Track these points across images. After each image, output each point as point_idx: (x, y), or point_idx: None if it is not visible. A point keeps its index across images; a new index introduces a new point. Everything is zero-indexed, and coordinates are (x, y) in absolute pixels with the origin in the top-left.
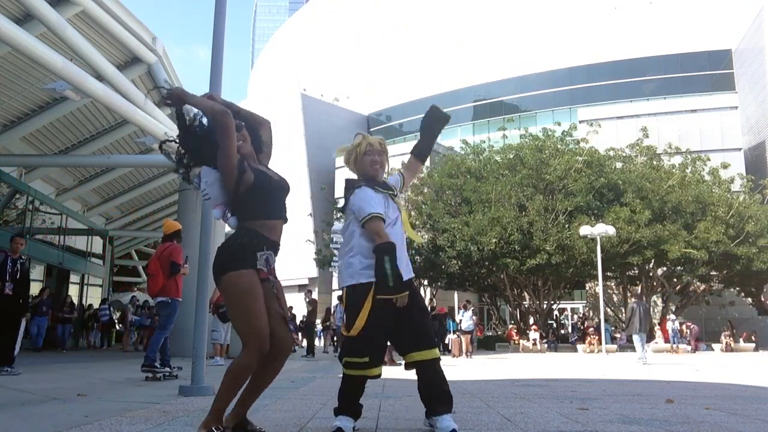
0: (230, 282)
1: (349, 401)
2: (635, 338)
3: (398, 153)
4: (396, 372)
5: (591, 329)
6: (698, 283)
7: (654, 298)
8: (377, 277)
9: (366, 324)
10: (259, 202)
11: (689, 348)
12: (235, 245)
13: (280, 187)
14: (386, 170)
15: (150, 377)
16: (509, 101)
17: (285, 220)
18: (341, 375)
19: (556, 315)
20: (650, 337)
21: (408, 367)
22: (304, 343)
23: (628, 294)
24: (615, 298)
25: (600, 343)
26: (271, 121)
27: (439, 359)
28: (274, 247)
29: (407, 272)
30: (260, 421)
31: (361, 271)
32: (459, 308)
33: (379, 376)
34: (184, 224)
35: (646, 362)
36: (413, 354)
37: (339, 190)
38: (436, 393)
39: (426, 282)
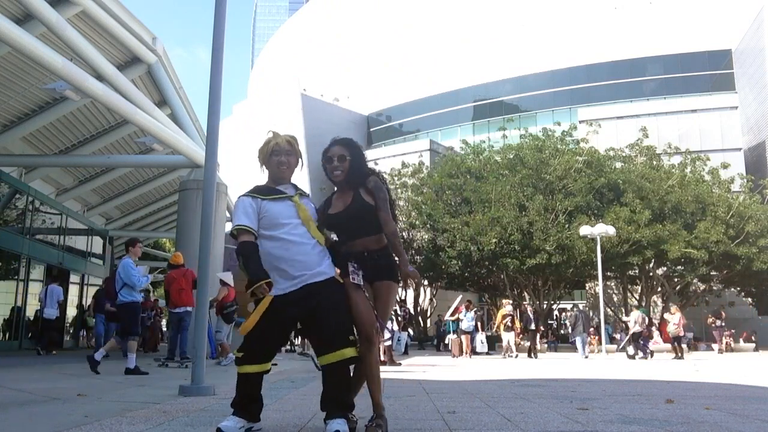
0: None
1: (240, 398)
2: (578, 340)
3: (398, 153)
4: (396, 372)
5: (591, 329)
6: (698, 283)
7: (654, 298)
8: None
9: (256, 325)
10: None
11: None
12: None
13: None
14: (298, 168)
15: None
16: (509, 101)
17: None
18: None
19: (556, 315)
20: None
21: (326, 366)
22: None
23: (628, 294)
24: (615, 298)
25: (600, 343)
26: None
27: (344, 360)
28: (357, 256)
29: (319, 274)
30: (261, 424)
31: None
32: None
33: (253, 373)
34: (184, 224)
35: (586, 357)
36: (329, 355)
37: None
38: (337, 396)
39: (426, 282)
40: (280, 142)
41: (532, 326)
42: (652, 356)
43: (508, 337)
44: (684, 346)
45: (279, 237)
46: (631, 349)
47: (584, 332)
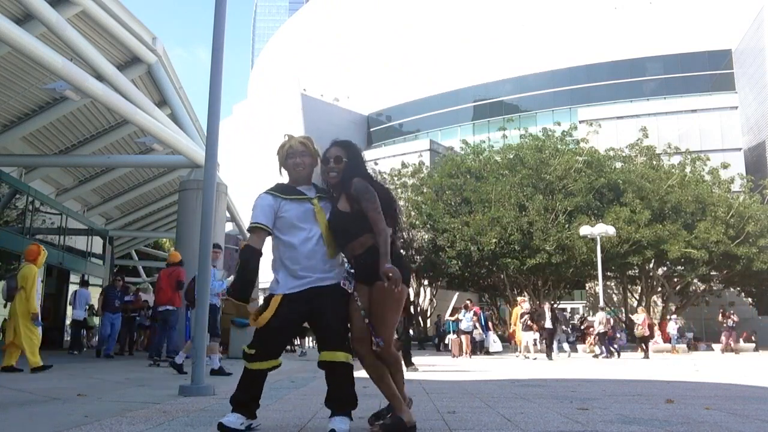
0: None
1: (243, 394)
2: (556, 340)
3: (398, 153)
4: None
5: (591, 329)
6: (698, 283)
7: (654, 298)
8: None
9: (269, 322)
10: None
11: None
12: None
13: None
14: (314, 167)
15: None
16: (509, 101)
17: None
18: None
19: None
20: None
21: (319, 365)
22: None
23: (628, 294)
24: (615, 298)
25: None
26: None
27: (345, 363)
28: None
29: (325, 279)
30: (260, 421)
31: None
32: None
33: (263, 370)
34: (184, 224)
35: (569, 356)
36: (322, 354)
37: None
38: (336, 395)
39: (426, 282)
40: (294, 144)
41: (548, 324)
42: (619, 356)
43: (527, 337)
44: (685, 345)
45: (292, 242)
46: (597, 349)
47: (563, 332)
